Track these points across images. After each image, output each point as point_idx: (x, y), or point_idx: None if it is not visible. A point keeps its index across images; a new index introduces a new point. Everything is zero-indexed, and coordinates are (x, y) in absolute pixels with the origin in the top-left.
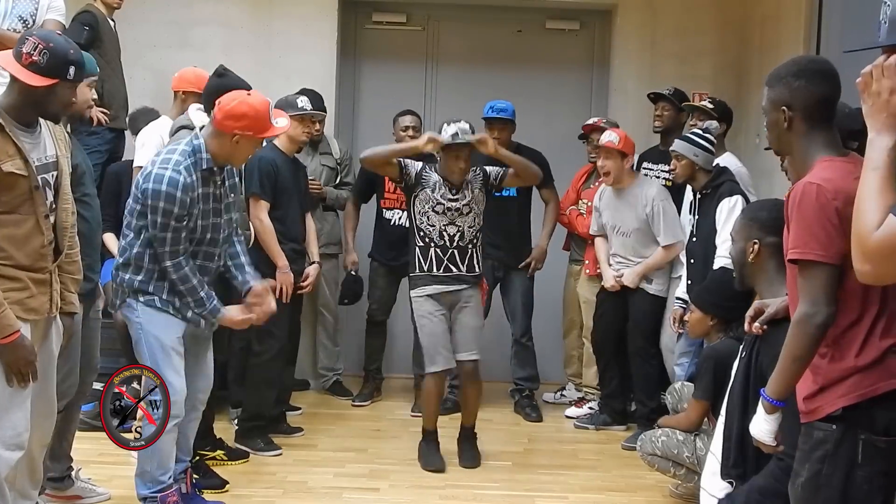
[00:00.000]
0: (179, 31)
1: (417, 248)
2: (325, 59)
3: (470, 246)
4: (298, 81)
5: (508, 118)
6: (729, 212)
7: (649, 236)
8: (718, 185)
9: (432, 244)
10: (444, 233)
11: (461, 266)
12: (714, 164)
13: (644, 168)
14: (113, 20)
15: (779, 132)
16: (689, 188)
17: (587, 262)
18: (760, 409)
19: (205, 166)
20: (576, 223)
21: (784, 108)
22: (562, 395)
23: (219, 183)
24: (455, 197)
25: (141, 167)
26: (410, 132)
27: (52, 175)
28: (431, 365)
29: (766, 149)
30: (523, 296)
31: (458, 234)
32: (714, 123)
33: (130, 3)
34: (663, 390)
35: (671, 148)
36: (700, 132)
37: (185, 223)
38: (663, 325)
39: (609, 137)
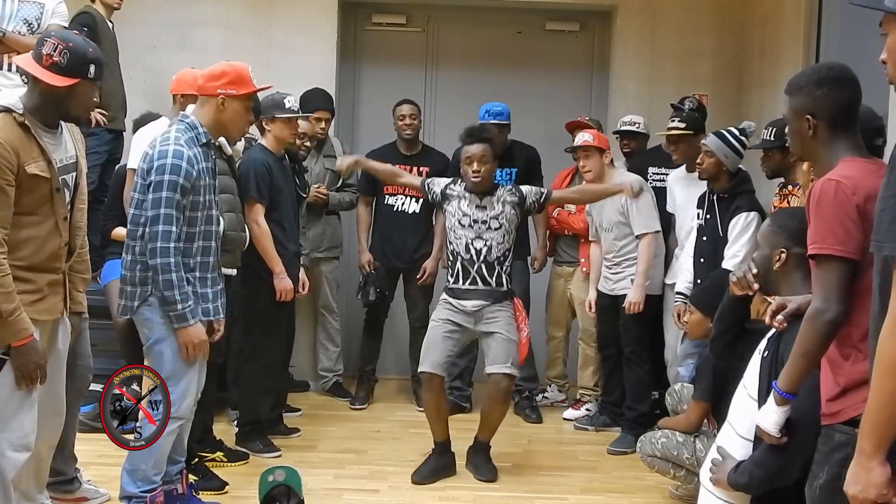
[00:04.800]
0: (179, 33)
1: (448, 259)
2: (324, 60)
3: (496, 263)
4: (298, 83)
5: (504, 122)
6: (743, 227)
7: (627, 227)
8: (737, 193)
9: (459, 257)
10: (471, 247)
11: (489, 280)
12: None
13: (652, 174)
14: (111, 21)
15: (803, 140)
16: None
17: (583, 260)
18: (771, 400)
19: (203, 140)
20: (570, 221)
21: (808, 116)
22: (543, 397)
23: (213, 157)
24: (483, 205)
25: (134, 169)
26: (407, 120)
27: (72, 176)
28: (420, 364)
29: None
30: (519, 296)
31: (486, 248)
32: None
33: (130, 5)
34: (663, 391)
35: (702, 141)
36: (736, 132)
37: (187, 202)
38: (668, 332)
39: (583, 138)
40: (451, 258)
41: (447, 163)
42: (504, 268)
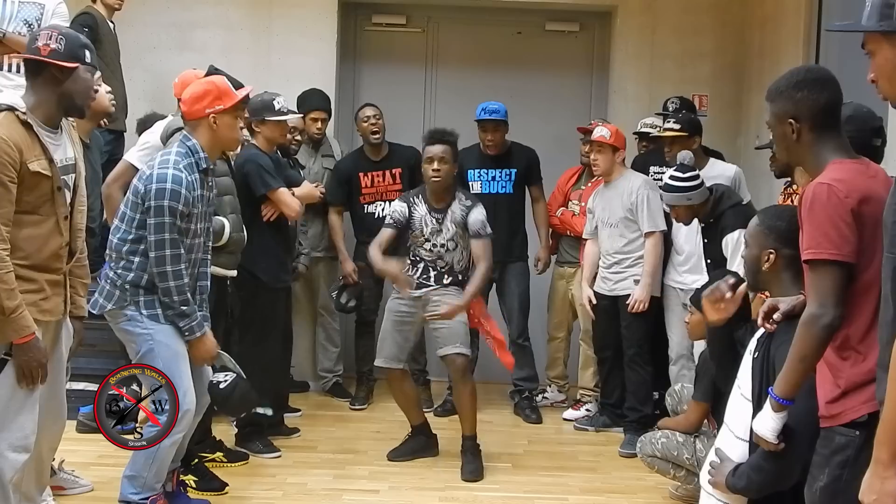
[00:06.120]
0: (179, 34)
1: (409, 263)
2: (324, 61)
3: (458, 274)
4: (298, 83)
5: (501, 119)
6: (734, 247)
7: (634, 224)
8: (720, 214)
9: (418, 271)
10: (430, 268)
11: (443, 282)
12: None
13: (653, 173)
14: (112, 22)
15: (788, 144)
16: None
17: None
18: (767, 406)
19: (203, 166)
20: (573, 223)
21: (791, 120)
22: (543, 397)
23: (210, 185)
24: (440, 228)
25: (132, 165)
26: (372, 120)
27: (71, 177)
28: (377, 358)
29: (758, 147)
30: (519, 297)
31: (447, 268)
32: (687, 155)
33: (130, 5)
34: (663, 391)
35: (665, 202)
36: (679, 173)
37: (185, 224)
38: (671, 329)
39: (601, 132)
40: (413, 262)
41: (418, 156)
42: (463, 275)
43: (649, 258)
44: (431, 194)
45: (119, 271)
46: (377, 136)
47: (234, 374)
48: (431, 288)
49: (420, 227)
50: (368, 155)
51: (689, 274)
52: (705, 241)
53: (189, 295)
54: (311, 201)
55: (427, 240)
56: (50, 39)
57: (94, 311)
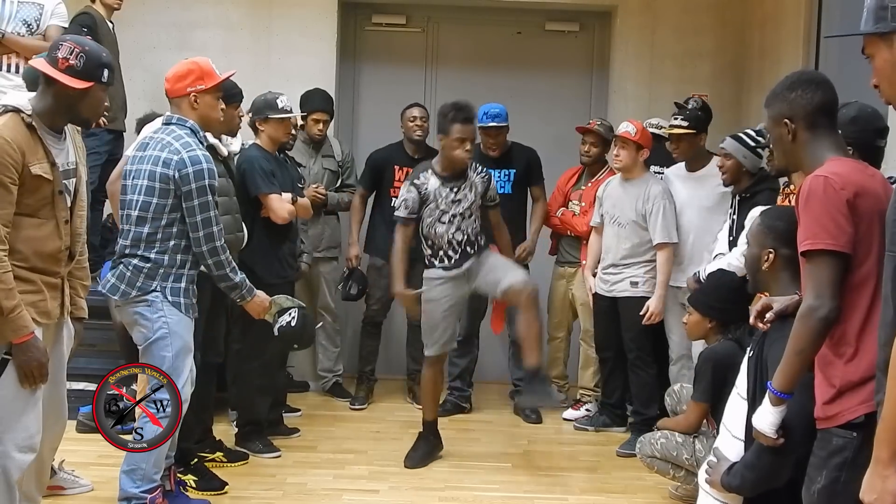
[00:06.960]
0: (178, 34)
1: (428, 251)
2: (324, 60)
3: (475, 241)
4: (298, 83)
5: (503, 124)
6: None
7: (643, 231)
8: (757, 192)
9: (440, 250)
10: (453, 240)
11: (469, 254)
12: (759, 168)
13: (653, 172)
14: (112, 22)
15: (784, 147)
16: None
17: (584, 262)
18: (766, 401)
19: (205, 144)
20: (573, 223)
21: (786, 120)
22: None
23: None
24: (458, 198)
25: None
26: (418, 121)
27: (72, 182)
28: (426, 349)
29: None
30: None
31: (464, 237)
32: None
33: (130, 5)
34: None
35: (720, 144)
36: (753, 133)
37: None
38: (670, 330)
39: (626, 128)
40: (431, 246)
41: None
42: (479, 239)
43: (663, 269)
44: (450, 169)
45: (154, 256)
46: (420, 134)
47: (296, 308)
48: (467, 264)
49: (435, 200)
50: (408, 151)
51: (689, 272)
52: (735, 217)
53: (233, 267)
54: (305, 216)
55: (444, 211)
56: (70, 54)
57: (116, 297)
